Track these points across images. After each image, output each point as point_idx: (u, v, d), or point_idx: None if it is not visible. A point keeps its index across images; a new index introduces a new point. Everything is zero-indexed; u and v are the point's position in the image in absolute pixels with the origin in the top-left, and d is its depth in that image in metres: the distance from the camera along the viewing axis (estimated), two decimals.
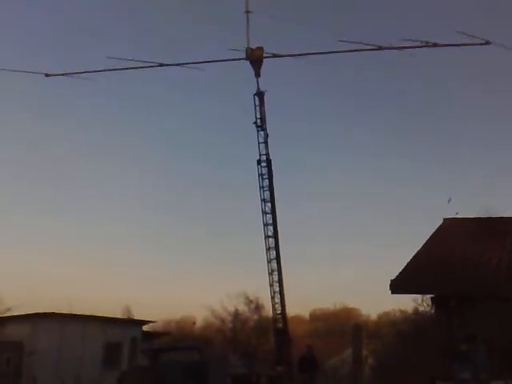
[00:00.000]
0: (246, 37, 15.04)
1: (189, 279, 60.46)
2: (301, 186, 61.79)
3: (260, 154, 22.65)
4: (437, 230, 14.35)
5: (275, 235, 22.71)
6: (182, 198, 66.01)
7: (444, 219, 15.05)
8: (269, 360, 27.51)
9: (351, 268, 64.15)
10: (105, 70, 12.18)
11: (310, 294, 57.35)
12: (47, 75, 11.43)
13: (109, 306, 54.35)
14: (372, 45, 10.44)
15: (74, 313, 21.78)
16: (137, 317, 29.84)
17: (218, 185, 63.09)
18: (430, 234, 14.01)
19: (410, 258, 12.63)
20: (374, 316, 48.59)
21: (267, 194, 22.71)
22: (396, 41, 10.30)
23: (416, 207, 60.17)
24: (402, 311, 37.68)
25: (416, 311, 26.14)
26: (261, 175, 22.60)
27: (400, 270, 12.11)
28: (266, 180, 22.79)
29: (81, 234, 62.34)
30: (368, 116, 63.38)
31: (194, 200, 64.93)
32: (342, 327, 45.44)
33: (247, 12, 14.12)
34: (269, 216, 22.76)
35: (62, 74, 11.83)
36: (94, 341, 21.06)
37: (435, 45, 9.31)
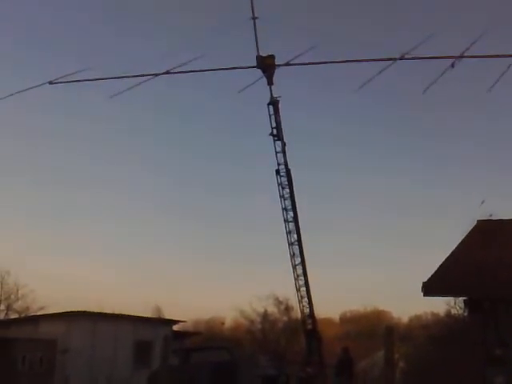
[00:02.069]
0: (254, 44, 14.13)
1: (218, 280, 60.76)
2: (329, 186, 61.67)
3: (278, 164, 22.37)
4: (470, 231, 14.09)
5: (299, 242, 22.54)
6: (211, 200, 66.36)
7: (477, 221, 14.78)
8: (298, 361, 27.45)
9: (382, 270, 63.52)
10: (110, 78, 11.81)
11: (339, 296, 57.06)
12: (51, 83, 11.15)
13: (139, 306, 54.93)
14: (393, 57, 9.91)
15: (106, 312, 22.05)
16: (167, 317, 30.12)
17: (247, 186, 63.20)
18: (463, 236, 13.79)
19: (443, 260, 12.45)
20: (405, 319, 48.04)
21: (288, 203, 22.47)
22: (421, 51, 9.79)
23: (448, 209, 59.24)
24: (433, 314, 37.24)
25: (448, 314, 25.79)
26: (280, 185, 22.36)
27: (431, 272, 11.95)
28: (287, 189, 22.53)
29: (112, 237, 63.29)
30: (395, 117, 62.94)
31: (224, 201, 65.26)
32: (372, 330, 45.09)
33: (254, 18, 13.33)
34: (291, 224, 22.59)
35: (67, 82, 11.50)
36: (125, 340, 21.28)
37: (461, 56, 8.76)
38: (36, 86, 10.70)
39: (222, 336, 45.31)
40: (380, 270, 61.97)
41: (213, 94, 56.13)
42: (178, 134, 64.81)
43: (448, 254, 12.48)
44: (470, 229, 14.23)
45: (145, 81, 11.01)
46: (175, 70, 11.28)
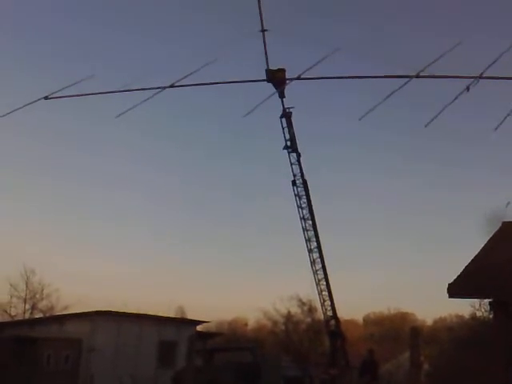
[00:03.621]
0: (264, 57, 13.73)
1: (241, 281, 60.91)
2: (351, 186, 61.31)
3: (294, 175, 22.19)
4: (495, 233, 13.87)
5: (319, 248, 22.46)
6: (237, 201, 66.57)
7: (503, 222, 14.54)
8: (322, 363, 27.35)
9: (407, 272, 62.96)
10: (112, 92, 11.45)
11: (363, 298, 56.77)
12: (46, 98, 10.90)
13: (163, 307, 55.27)
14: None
15: (130, 312, 22.20)
16: (190, 317, 30.23)
17: (272, 186, 63.12)
18: (489, 238, 13.58)
19: (468, 261, 12.29)
20: (429, 321, 47.60)
21: (306, 212, 22.33)
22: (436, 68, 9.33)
23: (472, 210, 58.50)
24: (458, 316, 36.79)
25: (473, 316, 25.42)
26: (297, 195, 22.20)
27: (456, 273, 11.80)
28: (304, 199, 22.35)
29: (137, 238, 63.86)
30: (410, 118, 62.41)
31: (249, 201, 65.33)
32: (396, 332, 44.72)
33: (263, 30, 12.74)
34: (310, 232, 22.45)
35: (63, 97, 11.17)
36: (149, 339, 21.38)
37: (480, 77, 8.40)
38: (31, 103, 10.47)
39: (245, 337, 45.36)
40: (404, 272, 61.56)
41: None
42: (197, 136, 64.94)
43: (473, 256, 12.31)
44: (495, 230, 14.02)
45: (151, 96, 10.61)
46: (181, 83, 10.97)
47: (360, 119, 8.20)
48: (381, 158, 62.44)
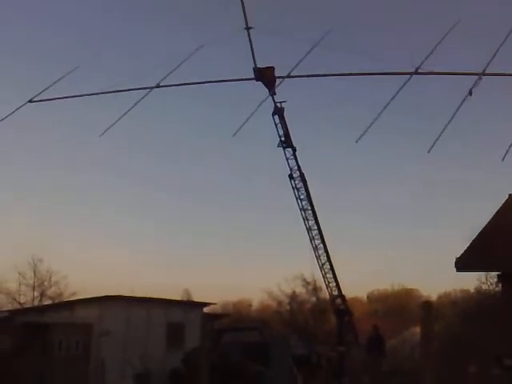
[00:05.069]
0: (251, 56, 13.07)
1: (244, 263, 61.16)
2: (354, 168, 61.30)
3: (290, 169, 22.16)
4: (502, 206, 13.97)
5: (321, 238, 22.58)
6: (238, 181, 66.58)
7: (509, 195, 14.62)
8: (328, 341, 27.60)
9: (409, 248, 63.31)
10: (96, 94, 11.13)
11: (367, 275, 57.06)
12: (31, 101, 10.59)
13: (169, 290, 55.63)
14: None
15: (138, 296, 22.35)
16: (196, 299, 30.47)
17: (272, 168, 63.10)
18: (495, 211, 13.66)
19: (472, 236, 12.37)
20: (434, 296, 47.90)
21: (305, 203, 22.40)
22: (431, 64, 8.97)
23: (477, 184, 58.48)
24: (463, 291, 37.06)
25: (479, 290, 25.61)
26: (295, 188, 22.23)
27: (462, 248, 11.89)
28: (302, 190, 22.37)
29: (141, 222, 64.10)
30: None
31: (250, 182, 65.32)
32: (401, 308, 45.05)
33: (248, 28, 11.84)
34: (311, 222, 22.55)
35: (48, 99, 10.83)
36: (157, 322, 21.59)
37: (483, 73, 8.07)
38: (18, 108, 10.22)
39: (250, 317, 45.69)
40: (407, 248, 61.83)
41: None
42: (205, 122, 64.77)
43: (481, 229, 12.41)
44: (502, 203, 14.11)
45: (140, 99, 10.26)
46: (167, 83, 10.62)
47: (357, 141, 8.04)
48: (384, 140, 62.14)
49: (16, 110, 10.02)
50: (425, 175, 58.75)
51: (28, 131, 49.97)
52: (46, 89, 10.21)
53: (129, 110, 9.84)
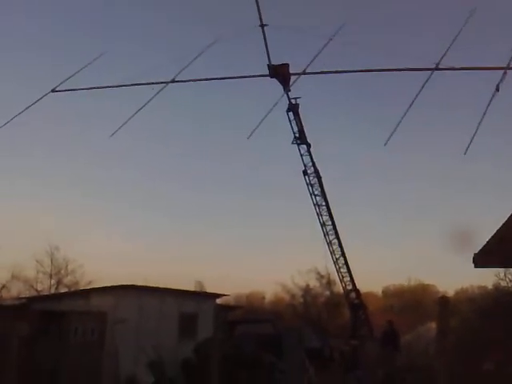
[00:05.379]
0: (265, 53, 12.80)
1: (257, 255, 61.21)
2: (371, 162, 60.87)
3: (305, 165, 22.10)
4: None
5: (335, 230, 22.53)
6: (253, 171, 66.53)
7: None
8: (341, 335, 27.53)
9: (426, 243, 62.81)
10: (115, 86, 11.10)
11: (383, 270, 56.74)
12: (54, 91, 10.62)
13: (182, 280, 55.88)
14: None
15: (151, 286, 22.43)
16: (209, 291, 30.46)
17: (286, 161, 62.91)
18: None
19: (491, 231, 12.14)
20: (450, 292, 47.51)
21: (320, 199, 22.38)
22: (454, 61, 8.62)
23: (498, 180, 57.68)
24: (480, 287, 36.69)
25: (497, 286, 25.33)
26: (309, 184, 22.19)
27: (482, 243, 11.67)
28: (316, 186, 22.33)
29: (155, 212, 64.42)
30: None
31: (269, 175, 65.18)
32: (416, 303, 44.78)
33: (262, 25, 11.75)
34: (325, 217, 22.51)
35: (70, 90, 10.85)
36: (170, 313, 21.65)
37: (509, 68, 7.80)
38: (41, 98, 10.28)
39: (263, 310, 45.76)
40: (424, 243, 61.32)
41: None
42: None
43: (501, 224, 12.17)
44: None
45: (155, 95, 10.21)
46: (183, 78, 10.58)
47: (385, 144, 7.89)
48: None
49: (39, 99, 10.12)
50: (442, 170, 58.33)
51: (50, 121, 50.29)
52: (69, 78, 10.29)
53: (142, 108, 9.86)
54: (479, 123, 7.01)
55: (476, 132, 7.00)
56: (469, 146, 6.90)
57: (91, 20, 58.97)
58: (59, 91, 10.24)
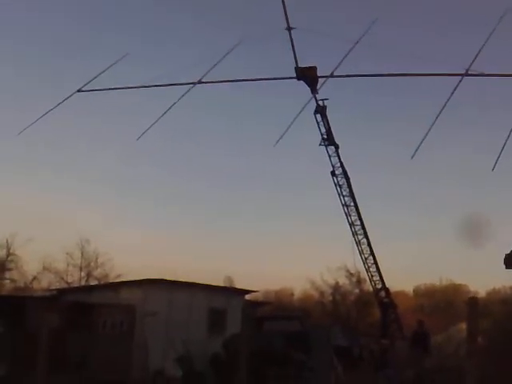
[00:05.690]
0: (292, 55, 13.20)
1: (288, 252, 61.05)
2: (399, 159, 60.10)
3: (333, 166, 22.07)
4: None
5: (363, 230, 22.35)
6: (281, 172, 66.38)
7: None
8: (370, 333, 27.29)
9: (459, 243, 61.84)
10: (140, 87, 11.19)
11: (414, 269, 56.05)
12: (80, 91, 10.80)
13: (212, 276, 56.15)
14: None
15: (181, 280, 22.55)
16: (238, 286, 30.51)
17: (316, 159, 62.59)
18: None
19: None
20: (482, 293, 46.70)
21: (348, 199, 22.29)
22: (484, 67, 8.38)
23: None
24: None
25: None
26: (337, 185, 22.13)
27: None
28: (345, 186, 22.23)
29: (187, 207, 64.92)
30: None
31: (298, 171, 65.02)
32: (448, 303, 44.09)
33: (289, 28, 12.02)
34: (354, 217, 22.38)
35: (96, 90, 11.02)
36: (199, 307, 21.72)
37: None
38: (67, 98, 10.47)
39: (292, 306, 45.66)
40: (457, 242, 60.37)
41: None
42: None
43: None
44: None
45: (182, 96, 10.29)
46: (209, 79, 10.63)
47: (412, 157, 7.78)
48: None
49: (65, 99, 10.34)
50: (475, 169, 57.29)
51: (84, 118, 51.15)
52: (95, 78, 10.48)
53: (169, 109, 10.07)
54: None
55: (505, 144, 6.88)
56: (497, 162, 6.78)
57: (116, 21, 59.60)
58: (85, 91, 10.46)
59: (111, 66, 10.75)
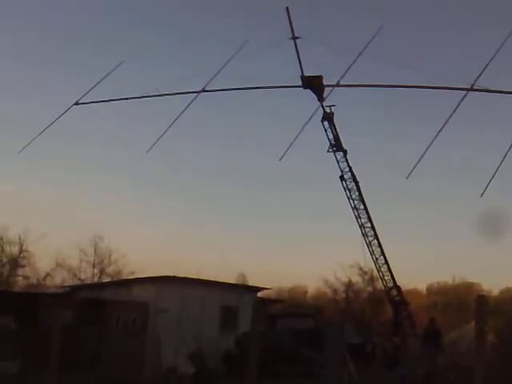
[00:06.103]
0: (298, 65, 13.35)
1: (301, 249, 61.00)
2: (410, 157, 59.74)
3: (341, 171, 22.13)
4: None
5: (374, 232, 22.34)
6: (294, 170, 66.31)
7: None
8: (383, 331, 27.23)
9: (472, 241, 61.42)
10: (142, 97, 11.14)
11: (427, 267, 55.82)
12: (77, 103, 10.74)
13: (225, 273, 56.34)
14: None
15: (193, 277, 22.63)
16: (251, 284, 30.55)
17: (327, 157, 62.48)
18: None
19: None
20: (495, 291, 46.37)
21: (358, 203, 22.32)
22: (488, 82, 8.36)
23: None
24: None
25: None
26: (346, 189, 22.20)
27: None
28: (354, 190, 22.27)
29: (200, 204, 65.08)
30: None
31: (311, 169, 64.92)
32: (460, 302, 43.83)
33: (294, 38, 12.09)
34: (364, 219, 22.38)
35: (93, 102, 10.95)
36: (211, 304, 21.76)
37: None
38: (65, 112, 10.43)
39: (305, 304, 45.63)
40: (470, 241, 59.96)
41: None
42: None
43: None
44: None
45: (188, 105, 10.30)
46: (213, 88, 10.65)
47: (407, 177, 7.83)
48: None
49: (63, 113, 10.32)
50: (489, 164, 56.62)
51: (100, 118, 51.53)
52: (91, 89, 10.45)
53: (176, 118, 10.07)
54: None
55: None
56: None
57: (115, 31, 59.91)
58: (82, 103, 10.43)
59: (108, 74, 10.73)
